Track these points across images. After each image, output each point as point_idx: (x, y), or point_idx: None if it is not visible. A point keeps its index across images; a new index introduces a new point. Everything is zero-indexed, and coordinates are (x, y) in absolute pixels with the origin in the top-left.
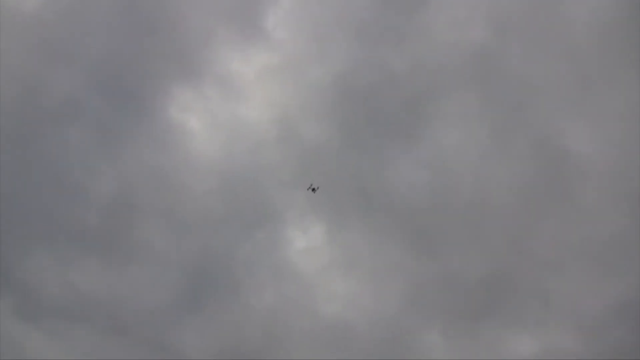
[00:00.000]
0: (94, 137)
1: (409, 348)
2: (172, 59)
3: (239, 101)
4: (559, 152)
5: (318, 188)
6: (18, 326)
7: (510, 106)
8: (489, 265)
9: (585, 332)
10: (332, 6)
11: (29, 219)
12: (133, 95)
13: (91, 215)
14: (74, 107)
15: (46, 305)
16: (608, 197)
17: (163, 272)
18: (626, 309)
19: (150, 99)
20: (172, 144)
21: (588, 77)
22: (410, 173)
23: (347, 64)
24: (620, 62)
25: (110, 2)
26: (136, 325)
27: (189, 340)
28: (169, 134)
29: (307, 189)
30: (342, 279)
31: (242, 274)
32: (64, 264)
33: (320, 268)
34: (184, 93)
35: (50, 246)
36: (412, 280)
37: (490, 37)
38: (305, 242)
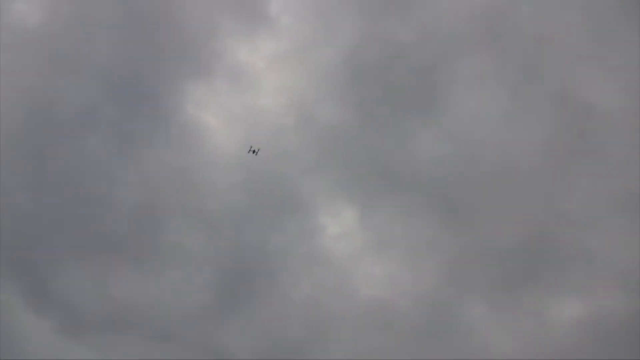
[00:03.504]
0: (113, 144)
1: (452, 322)
2: (180, 57)
3: (252, 92)
4: (582, 106)
5: (259, 150)
6: (62, 343)
7: (526, 64)
8: (525, 230)
9: (631, 289)
10: None
11: (58, 235)
12: (146, 97)
13: (119, 223)
14: (89, 116)
15: (87, 320)
16: (636, 147)
17: (198, 273)
18: None
19: (164, 99)
20: (191, 142)
21: (603, 26)
22: (432, 145)
23: (356, 42)
24: (637, 8)
25: (112, 8)
26: (179, 329)
27: (233, 338)
28: (186, 133)
29: (248, 152)
30: (378, 260)
31: (276, 266)
32: (99, 276)
33: (354, 252)
34: (197, 90)
35: (83, 260)
36: (449, 254)
37: None
38: (337, 228)
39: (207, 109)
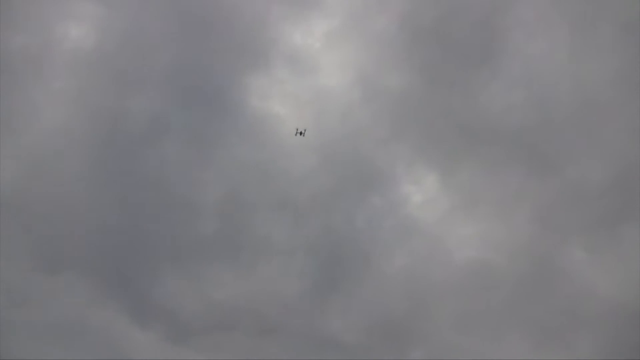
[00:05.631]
0: (188, 148)
1: (552, 271)
2: (237, 52)
3: (313, 74)
4: None
5: (305, 130)
6: (171, 351)
7: None
8: (614, 165)
9: None
10: None
11: (150, 246)
12: (212, 97)
13: (207, 224)
14: (160, 125)
15: (191, 324)
16: None
17: (291, 262)
18: None
19: (229, 96)
20: (263, 134)
21: None
22: (503, 95)
23: (409, 5)
24: None
25: (163, 17)
26: (281, 320)
27: (336, 321)
28: (256, 125)
29: (295, 135)
30: (468, 220)
31: (367, 242)
32: (196, 280)
33: (443, 216)
34: (259, 81)
35: (178, 266)
36: (539, 202)
37: None
38: (422, 195)
39: (272, 98)
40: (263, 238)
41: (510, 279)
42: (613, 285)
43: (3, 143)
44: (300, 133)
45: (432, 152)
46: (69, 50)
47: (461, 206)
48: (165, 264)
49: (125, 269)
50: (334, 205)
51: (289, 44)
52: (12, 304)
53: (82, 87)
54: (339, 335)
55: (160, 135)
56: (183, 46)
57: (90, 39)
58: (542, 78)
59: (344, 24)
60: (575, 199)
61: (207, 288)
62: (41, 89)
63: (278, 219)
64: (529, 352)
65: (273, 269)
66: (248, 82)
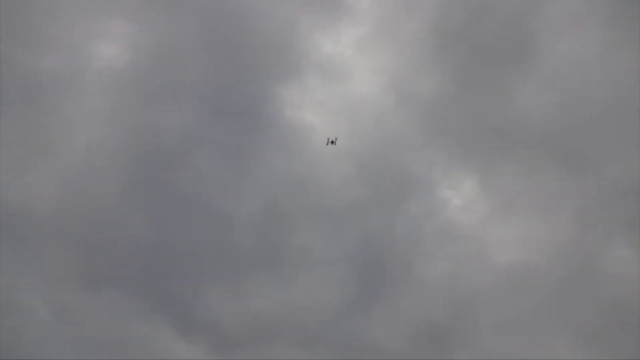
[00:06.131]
0: (223, 162)
1: (596, 270)
2: (268, 63)
3: (345, 81)
4: None
5: (336, 139)
6: None
7: None
8: None
9: None
10: None
11: (191, 260)
12: (245, 109)
13: (246, 237)
14: (194, 140)
15: (235, 336)
16: None
17: (331, 271)
18: None
19: (262, 107)
20: (297, 144)
21: None
22: (537, 95)
23: (438, 8)
24: None
25: (194, 32)
26: (324, 329)
27: (379, 329)
28: (290, 136)
29: (327, 144)
30: (508, 223)
31: (407, 249)
32: (238, 292)
33: (482, 219)
34: (291, 92)
35: (219, 279)
36: (579, 201)
37: None
38: (460, 199)
39: (305, 108)
40: (302, 248)
41: (553, 280)
42: None
43: (41, 164)
44: (332, 142)
45: (469, 156)
46: (102, 69)
47: (501, 209)
48: (206, 277)
49: (166, 283)
50: (372, 212)
51: (320, 53)
52: (58, 321)
53: (116, 105)
54: (382, 344)
55: (195, 150)
56: (214, 60)
57: (122, 57)
58: (575, 76)
59: (373, 31)
60: (616, 197)
61: (248, 300)
62: (76, 108)
63: (316, 228)
64: (575, 354)
65: (313, 279)
66: (280, 93)
